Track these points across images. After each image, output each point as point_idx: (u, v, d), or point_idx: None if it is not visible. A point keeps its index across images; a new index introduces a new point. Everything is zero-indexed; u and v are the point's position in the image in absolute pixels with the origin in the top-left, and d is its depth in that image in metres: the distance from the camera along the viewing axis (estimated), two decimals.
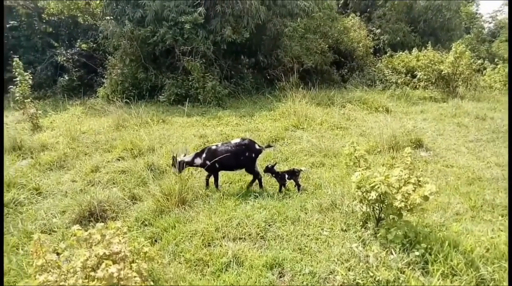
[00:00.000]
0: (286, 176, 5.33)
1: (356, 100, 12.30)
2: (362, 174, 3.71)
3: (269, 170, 5.37)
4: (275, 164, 5.53)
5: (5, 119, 11.18)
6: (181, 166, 5.25)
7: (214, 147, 5.30)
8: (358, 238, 3.84)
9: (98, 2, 15.51)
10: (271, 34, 14.94)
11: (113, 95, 12.63)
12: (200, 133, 8.57)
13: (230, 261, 3.54)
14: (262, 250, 3.73)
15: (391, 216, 3.77)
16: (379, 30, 20.40)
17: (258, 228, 4.11)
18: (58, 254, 2.88)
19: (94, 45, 15.46)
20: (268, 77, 15.52)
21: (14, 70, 9.68)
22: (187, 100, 12.85)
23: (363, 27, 19.92)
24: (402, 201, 3.52)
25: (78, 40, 15.55)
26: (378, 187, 3.50)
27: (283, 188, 5.31)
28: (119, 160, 6.86)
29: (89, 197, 4.62)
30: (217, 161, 5.09)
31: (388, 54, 18.31)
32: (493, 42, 27.87)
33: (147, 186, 5.51)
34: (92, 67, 15.42)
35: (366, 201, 3.79)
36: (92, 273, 2.57)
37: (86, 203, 4.52)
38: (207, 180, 5.45)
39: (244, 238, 3.98)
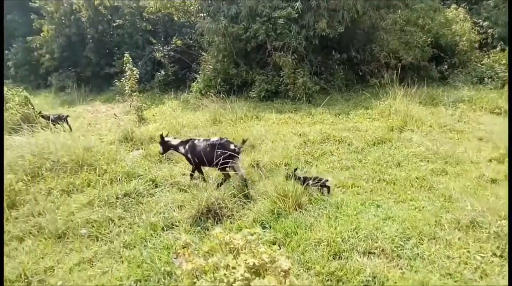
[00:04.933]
0: (310, 182, 4.85)
1: (465, 99, 11.01)
2: None
3: (290, 176, 4.92)
4: (296, 168, 5.10)
5: (113, 111, 12.14)
6: (167, 147, 5.73)
7: (196, 141, 5.53)
8: None
9: (193, 0, 16.05)
10: (365, 28, 14.10)
11: (205, 90, 12.99)
12: (298, 131, 8.27)
13: (368, 280, 3.17)
14: (404, 271, 3.28)
15: None
16: (486, 23, 18.11)
17: (392, 243, 3.67)
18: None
19: (190, 41, 16.05)
20: (360, 73, 14.66)
21: (124, 65, 10.31)
22: (277, 96, 12.83)
23: (467, 19, 17.88)
24: None
25: (174, 37, 16.28)
26: None
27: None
28: None
29: (207, 193, 4.57)
30: (195, 156, 5.35)
31: (498, 48, 16.15)
32: None
33: (255, 184, 5.39)
34: (185, 63, 16.06)
35: None
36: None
37: (204, 199, 4.49)
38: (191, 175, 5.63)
39: (377, 254, 3.57)
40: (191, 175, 5.66)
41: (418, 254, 3.53)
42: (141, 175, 5.69)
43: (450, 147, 6.82)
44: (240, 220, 4.39)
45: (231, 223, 4.33)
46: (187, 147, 5.55)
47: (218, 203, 4.49)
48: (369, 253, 3.61)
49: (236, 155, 5.19)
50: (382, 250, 3.60)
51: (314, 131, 8.12)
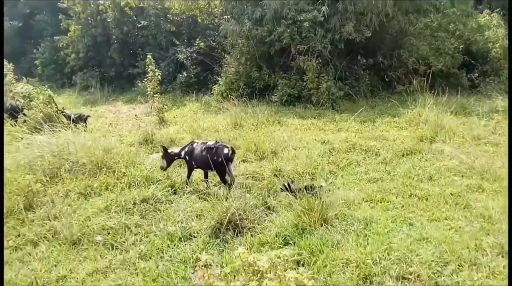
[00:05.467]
0: (305, 192, 4.54)
1: (499, 110, 10.42)
2: None
3: (286, 188, 4.83)
4: (293, 181, 5.01)
5: (134, 112, 12.14)
6: (172, 158, 5.64)
7: (194, 144, 5.54)
8: None
9: (217, 2, 15.99)
10: (393, 33, 13.67)
11: (227, 93, 12.84)
12: (322, 138, 7.97)
13: None
14: None
15: None
16: None
17: (429, 268, 3.34)
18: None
19: (214, 43, 15.96)
20: (386, 79, 14.19)
21: (146, 66, 10.27)
22: (299, 101, 12.53)
23: (501, 26, 17.12)
24: None
25: (197, 39, 16.24)
26: None
27: None
28: (243, 161, 6.66)
29: (227, 203, 4.35)
30: (193, 159, 5.43)
31: None
32: None
33: (278, 195, 5.14)
34: (208, 65, 15.97)
35: None
36: None
37: (224, 209, 4.26)
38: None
39: (412, 280, 3.25)
40: (206, 181, 5.65)
41: (458, 282, 3.19)
42: (160, 180, 5.53)
43: (486, 161, 6.36)
44: (261, 233, 4.14)
45: (252, 236, 4.09)
46: (186, 149, 5.58)
47: (238, 214, 4.25)
48: (403, 278, 3.30)
49: (229, 160, 5.23)
50: (418, 276, 3.28)
51: (339, 139, 7.80)
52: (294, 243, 3.87)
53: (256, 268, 2.48)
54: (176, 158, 5.71)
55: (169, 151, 5.71)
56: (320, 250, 3.69)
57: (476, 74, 15.70)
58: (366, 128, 9.15)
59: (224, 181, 5.27)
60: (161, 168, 5.70)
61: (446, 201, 4.93)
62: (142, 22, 17.05)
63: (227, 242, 3.98)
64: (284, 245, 3.89)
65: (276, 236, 4.01)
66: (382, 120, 9.77)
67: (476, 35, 15.67)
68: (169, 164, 5.70)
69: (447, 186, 5.43)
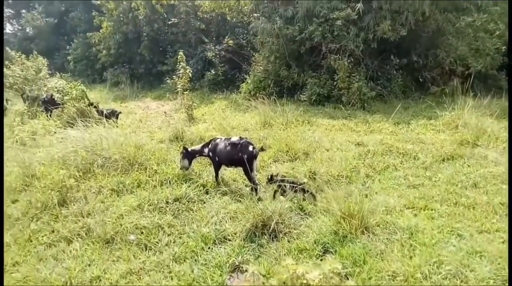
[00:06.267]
0: (287, 186, 4.59)
1: None
2: None
3: (270, 180, 4.88)
4: (277, 174, 5.08)
5: (163, 108, 12.17)
6: (193, 156, 5.59)
7: (217, 140, 5.45)
8: None
9: (248, 1, 15.86)
10: (430, 32, 13.10)
11: (255, 91, 12.69)
12: (355, 140, 7.68)
13: None
14: None
15: None
16: None
17: None
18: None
19: (243, 41, 15.84)
20: (420, 80, 13.63)
21: (178, 63, 10.24)
22: (329, 101, 12.22)
23: None
24: None
25: (226, 37, 16.16)
26: None
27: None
28: (275, 161, 6.47)
29: (262, 205, 4.18)
30: (216, 155, 5.33)
31: None
32: None
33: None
34: (236, 63, 15.88)
35: None
36: None
37: (259, 212, 4.09)
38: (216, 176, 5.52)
39: None
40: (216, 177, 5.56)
41: None
42: (192, 179, 5.41)
43: None
44: (298, 239, 3.95)
45: (288, 241, 3.90)
46: (209, 146, 5.50)
47: (274, 218, 4.07)
48: None
49: (254, 157, 5.09)
50: None
51: (373, 141, 7.48)
52: (336, 251, 3.65)
53: (305, 281, 2.30)
54: (197, 155, 5.65)
55: (189, 149, 5.65)
56: (363, 260, 3.46)
57: None
58: (400, 131, 8.76)
59: (250, 178, 5.08)
60: (182, 168, 5.59)
61: (496, 211, 4.58)
62: (172, 19, 17.14)
63: (263, 247, 3.81)
64: (324, 253, 3.69)
65: (315, 243, 3.80)
66: (417, 122, 9.35)
67: None
68: (190, 162, 5.67)
69: (495, 194, 5.05)
